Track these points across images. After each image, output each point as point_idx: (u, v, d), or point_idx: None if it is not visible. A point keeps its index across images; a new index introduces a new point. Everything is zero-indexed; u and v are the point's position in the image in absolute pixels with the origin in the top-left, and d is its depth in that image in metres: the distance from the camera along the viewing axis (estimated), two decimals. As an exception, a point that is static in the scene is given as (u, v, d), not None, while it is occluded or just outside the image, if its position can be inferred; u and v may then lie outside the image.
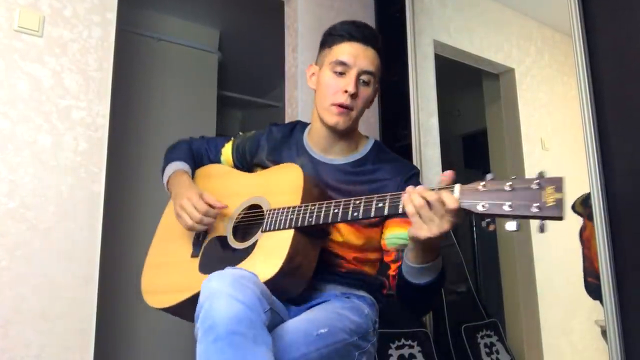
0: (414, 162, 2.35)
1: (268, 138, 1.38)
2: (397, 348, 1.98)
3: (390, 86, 2.63)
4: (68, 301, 1.75)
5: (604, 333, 1.63)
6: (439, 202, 0.90)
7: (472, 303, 2.29)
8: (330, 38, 1.26)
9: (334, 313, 1.13)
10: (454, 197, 0.90)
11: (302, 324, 1.07)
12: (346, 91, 1.20)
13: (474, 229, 2.82)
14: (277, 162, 1.31)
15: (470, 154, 3.18)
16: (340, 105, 1.21)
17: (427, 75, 2.54)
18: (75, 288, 1.77)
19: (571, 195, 2.10)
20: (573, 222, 1.96)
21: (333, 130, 1.25)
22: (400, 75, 2.53)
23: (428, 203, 0.92)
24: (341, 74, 1.22)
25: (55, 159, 1.81)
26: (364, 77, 1.22)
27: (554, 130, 2.37)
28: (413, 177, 1.26)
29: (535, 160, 2.34)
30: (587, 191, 1.69)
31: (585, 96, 1.71)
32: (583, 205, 1.81)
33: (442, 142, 2.50)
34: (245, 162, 1.42)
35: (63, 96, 1.85)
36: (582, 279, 1.90)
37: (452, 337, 2.15)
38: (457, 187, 0.90)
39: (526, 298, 2.35)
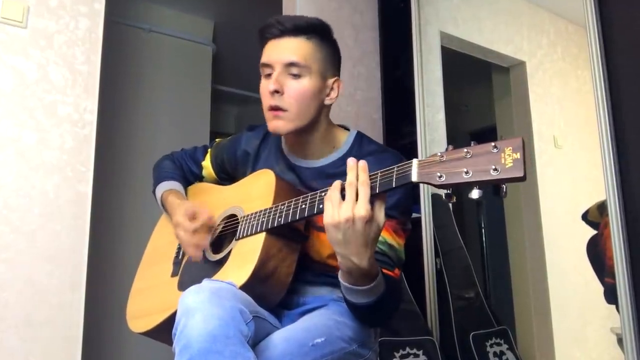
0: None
1: (246, 149, 1.38)
2: (402, 357, 1.99)
3: (394, 81, 2.64)
4: (54, 307, 1.75)
5: (619, 341, 1.64)
6: (350, 181, 0.93)
7: (480, 309, 2.29)
8: (259, 44, 1.26)
9: (331, 320, 1.13)
10: (364, 176, 0.93)
11: (297, 333, 1.07)
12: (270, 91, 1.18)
13: (483, 231, 2.83)
14: None
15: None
16: (271, 108, 1.19)
17: (433, 69, 2.54)
18: (61, 293, 1.77)
19: (586, 197, 2.11)
20: (587, 227, 1.96)
21: (296, 138, 1.24)
22: (405, 68, 2.53)
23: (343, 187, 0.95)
24: (268, 75, 1.21)
25: (40, 157, 1.81)
26: (291, 71, 1.19)
27: (567, 127, 2.37)
28: None
29: (548, 159, 2.34)
30: (602, 189, 1.69)
31: (600, 91, 1.71)
32: (599, 212, 1.80)
33: (449, 139, 2.50)
34: (227, 173, 1.45)
35: (49, 91, 1.85)
36: (597, 284, 1.90)
37: (460, 345, 2.15)
38: (415, 161, 0.90)
39: (538, 304, 2.35)
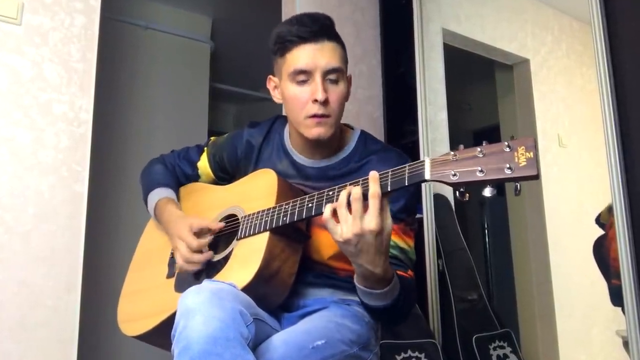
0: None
1: (247, 147, 1.36)
2: (403, 360, 1.99)
3: (396, 79, 2.64)
4: (49, 309, 1.75)
5: (625, 344, 1.64)
6: (356, 195, 0.93)
7: (483, 312, 2.29)
8: (279, 46, 1.21)
9: (331, 322, 1.14)
10: (375, 187, 0.93)
11: (297, 336, 1.07)
12: (316, 100, 1.16)
13: (486, 231, 2.83)
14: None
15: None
16: (315, 116, 1.17)
17: (435, 67, 2.54)
18: (56, 295, 1.77)
19: (590, 196, 2.11)
20: (592, 227, 1.96)
21: (317, 141, 1.22)
22: (407, 66, 2.53)
23: (349, 199, 0.95)
24: (304, 81, 1.18)
25: (35, 157, 1.81)
26: (330, 77, 1.18)
27: (572, 126, 2.38)
28: None
29: (552, 158, 2.34)
30: (607, 189, 1.69)
31: (605, 89, 1.71)
32: (610, 213, 1.80)
33: (452, 139, 2.50)
34: (227, 172, 1.42)
35: (43, 89, 1.85)
36: (602, 286, 1.90)
37: (463, 348, 2.15)
38: (427, 160, 0.92)
39: (542, 306, 2.35)
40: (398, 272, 1.09)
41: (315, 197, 1.07)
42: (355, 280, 1.04)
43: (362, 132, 1.32)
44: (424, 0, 2.52)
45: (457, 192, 0.89)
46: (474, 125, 3.20)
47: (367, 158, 1.26)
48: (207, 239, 1.22)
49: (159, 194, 1.39)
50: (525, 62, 2.50)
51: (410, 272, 1.16)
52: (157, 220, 1.39)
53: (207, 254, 1.21)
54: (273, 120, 1.40)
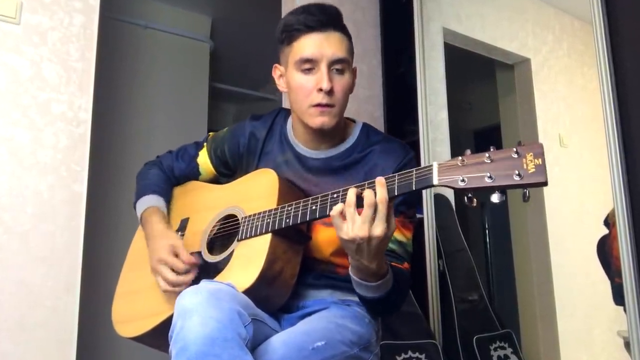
0: (422, 160, 2.35)
1: (251, 140, 1.35)
2: (404, 361, 1.99)
3: (396, 78, 2.64)
4: (48, 310, 1.75)
5: (626, 345, 1.64)
6: (370, 201, 0.94)
7: (484, 312, 2.29)
8: (286, 35, 1.22)
9: (332, 323, 1.13)
10: (383, 193, 0.94)
11: (296, 337, 1.07)
12: (321, 89, 1.17)
13: (487, 232, 2.83)
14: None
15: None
16: (319, 105, 1.18)
17: (436, 66, 2.54)
18: (55, 296, 1.77)
19: (592, 196, 2.11)
20: (593, 227, 1.96)
21: (320, 131, 1.23)
22: (407, 66, 2.54)
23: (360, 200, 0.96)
24: (310, 70, 1.19)
25: (34, 157, 1.81)
26: (336, 67, 1.19)
27: (573, 126, 2.38)
28: (408, 164, 1.23)
29: (553, 158, 2.34)
30: (608, 189, 1.69)
31: (607, 88, 1.71)
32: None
33: (453, 138, 2.51)
34: (229, 169, 1.41)
35: (42, 88, 1.85)
36: (604, 286, 1.90)
37: (463, 349, 2.15)
38: (435, 164, 0.92)
39: (543, 307, 2.35)
40: (393, 264, 1.11)
41: (319, 199, 1.07)
42: (350, 271, 1.07)
43: (364, 124, 1.33)
44: (425, 0, 2.52)
45: (466, 198, 0.89)
46: (475, 125, 3.21)
47: (370, 148, 1.27)
48: (195, 257, 1.21)
49: (147, 203, 1.38)
50: (526, 61, 2.50)
51: (406, 264, 1.18)
52: (143, 230, 1.37)
53: (193, 273, 1.20)
54: (276, 113, 1.40)
